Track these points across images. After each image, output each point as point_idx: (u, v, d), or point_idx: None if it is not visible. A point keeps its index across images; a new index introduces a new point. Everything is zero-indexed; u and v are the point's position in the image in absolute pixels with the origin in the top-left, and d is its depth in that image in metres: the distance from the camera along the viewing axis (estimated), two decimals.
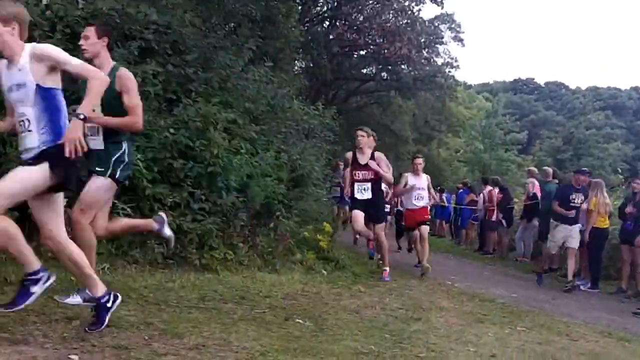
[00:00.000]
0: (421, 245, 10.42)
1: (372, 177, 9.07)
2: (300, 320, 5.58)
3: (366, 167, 9.03)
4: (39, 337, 3.89)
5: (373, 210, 9.13)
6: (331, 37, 26.59)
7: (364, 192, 9.00)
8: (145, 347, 4.03)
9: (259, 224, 8.75)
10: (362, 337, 5.24)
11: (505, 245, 16.02)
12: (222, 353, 4.13)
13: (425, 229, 10.63)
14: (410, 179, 10.81)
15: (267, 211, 8.81)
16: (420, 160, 11.19)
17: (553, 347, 5.87)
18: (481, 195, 17.10)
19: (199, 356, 3.99)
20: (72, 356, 3.63)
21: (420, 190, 10.72)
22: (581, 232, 11.28)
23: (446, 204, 20.89)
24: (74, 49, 7.37)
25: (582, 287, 11.11)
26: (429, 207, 11.35)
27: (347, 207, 12.50)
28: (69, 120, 4.00)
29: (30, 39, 6.98)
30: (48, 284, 4.11)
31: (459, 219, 20.11)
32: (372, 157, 9.11)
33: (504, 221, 15.77)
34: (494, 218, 16.02)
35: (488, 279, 10.88)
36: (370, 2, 25.72)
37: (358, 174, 9.07)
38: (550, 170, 14.30)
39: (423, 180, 10.88)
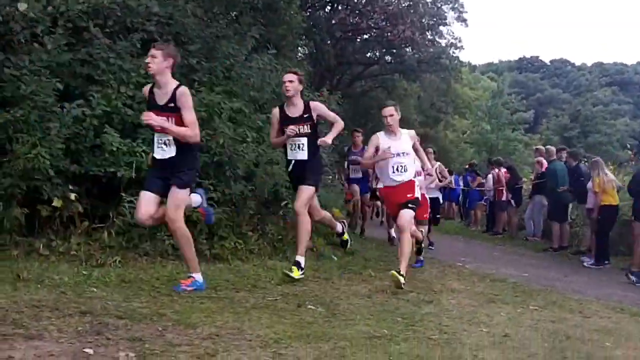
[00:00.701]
0: (400, 242, 7.30)
1: (309, 130, 7.03)
2: (312, 307, 5.60)
3: (300, 119, 7.00)
4: (53, 332, 3.91)
5: (303, 172, 7.00)
6: (333, 22, 26.44)
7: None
8: (159, 338, 4.05)
9: (268, 212, 8.77)
10: (374, 321, 5.25)
11: (515, 224, 16.00)
12: (236, 342, 4.15)
13: (407, 214, 7.20)
14: (383, 139, 7.47)
15: (275, 199, 8.82)
16: (389, 110, 7.42)
17: (566, 324, 5.86)
18: (489, 176, 17.06)
19: (213, 345, 4.00)
20: (87, 350, 3.65)
21: (400, 156, 7.36)
22: (587, 209, 11.32)
23: (454, 186, 20.86)
24: (77, 44, 7.43)
25: (585, 264, 11.08)
26: (416, 182, 7.65)
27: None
28: None
29: (33, 36, 7.06)
30: None
31: (467, 200, 20.12)
32: (307, 109, 7.08)
33: (512, 201, 15.75)
34: (503, 198, 16.00)
35: (498, 259, 10.87)
36: None
37: (291, 129, 6.94)
38: (553, 149, 14.23)
39: (403, 140, 7.49)
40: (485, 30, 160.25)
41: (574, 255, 12.22)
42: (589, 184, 11.17)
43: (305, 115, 6.99)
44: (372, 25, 26.40)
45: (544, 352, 4.74)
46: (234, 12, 12.77)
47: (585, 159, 13.74)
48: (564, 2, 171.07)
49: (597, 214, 10.84)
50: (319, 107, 7.20)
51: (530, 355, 4.59)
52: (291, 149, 7.03)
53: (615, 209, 10.97)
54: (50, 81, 6.62)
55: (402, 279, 6.60)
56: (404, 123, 29.20)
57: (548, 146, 15.39)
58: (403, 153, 7.38)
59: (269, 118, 9.38)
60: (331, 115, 7.32)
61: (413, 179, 7.49)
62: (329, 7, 27.53)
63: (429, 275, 8.30)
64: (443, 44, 29.13)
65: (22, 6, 6.77)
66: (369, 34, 27.98)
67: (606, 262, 10.93)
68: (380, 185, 8.37)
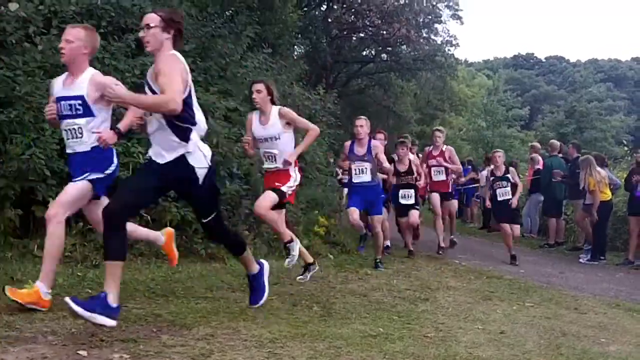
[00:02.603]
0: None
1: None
2: (308, 306, 5.60)
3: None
4: (47, 334, 3.90)
5: None
6: (329, 20, 26.43)
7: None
8: (154, 339, 4.04)
9: None
10: (370, 320, 5.26)
11: None
12: (231, 342, 4.14)
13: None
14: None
15: None
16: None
17: (561, 321, 5.88)
18: (484, 172, 17.01)
19: (208, 346, 3.99)
20: (81, 352, 3.64)
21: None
22: (585, 205, 11.31)
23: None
24: None
25: (581, 260, 11.10)
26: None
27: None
28: None
29: (27, 37, 7.03)
30: None
31: (465, 197, 20.08)
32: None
33: None
34: None
35: (495, 256, 10.87)
36: None
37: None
38: (557, 143, 14.19)
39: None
40: (481, 27, 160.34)
41: (570, 252, 12.25)
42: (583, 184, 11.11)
43: None
44: (368, 23, 26.38)
45: (540, 349, 4.76)
46: (229, 11, 12.77)
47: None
48: None
49: (595, 210, 10.78)
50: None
51: (525, 352, 4.60)
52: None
53: (609, 204, 10.99)
54: (44, 82, 6.58)
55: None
56: (401, 121, 28.97)
57: (552, 141, 15.30)
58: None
59: None
60: None
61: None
62: (324, 6, 27.55)
63: (426, 272, 8.32)
64: (439, 42, 29.16)
65: (13, 6, 6.73)
66: (364, 32, 27.96)
67: (601, 257, 10.97)
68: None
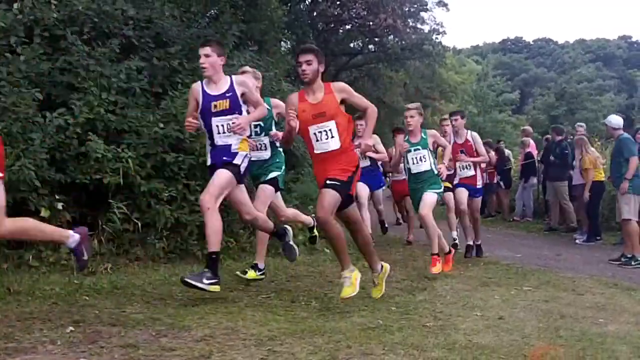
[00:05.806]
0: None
1: None
2: (306, 301, 5.61)
3: None
4: (46, 344, 3.89)
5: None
6: (315, 14, 26.40)
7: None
8: (153, 343, 4.04)
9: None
10: (369, 312, 5.26)
11: (506, 206, 16.03)
12: (231, 342, 4.14)
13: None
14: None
15: None
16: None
17: (559, 303, 5.90)
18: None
19: (207, 347, 3.99)
20: None
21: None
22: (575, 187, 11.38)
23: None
24: (53, 53, 7.37)
25: (577, 241, 11.14)
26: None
27: None
28: None
29: (8, 46, 6.99)
30: None
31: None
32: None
33: (501, 183, 15.76)
34: (493, 181, 16.00)
35: (491, 242, 10.87)
36: None
37: None
38: (562, 129, 14.22)
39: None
40: (468, 13, 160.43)
41: (566, 233, 12.29)
42: (574, 162, 11.22)
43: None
44: (354, 15, 26.38)
45: (539, 333, 4.77)
46: (214, 11, 12.71)
47: (572, 136, 13.75)
48: None
49: (588, 189, 10.85)
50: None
51: (524, 337, 4.61)
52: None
53: (602, 184, 11.04)
54: (29, 91, 6.57)
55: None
56: (392, 112, 28.89)
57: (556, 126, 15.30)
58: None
59: None
60: None
61: None
62: (309, 0, 27.50)
63: (423, 262, 8.31)
64: (425, 30, 29.17)
65: None
66: (351, 25, 27.94)
67: (597, 237, 11.00)
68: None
